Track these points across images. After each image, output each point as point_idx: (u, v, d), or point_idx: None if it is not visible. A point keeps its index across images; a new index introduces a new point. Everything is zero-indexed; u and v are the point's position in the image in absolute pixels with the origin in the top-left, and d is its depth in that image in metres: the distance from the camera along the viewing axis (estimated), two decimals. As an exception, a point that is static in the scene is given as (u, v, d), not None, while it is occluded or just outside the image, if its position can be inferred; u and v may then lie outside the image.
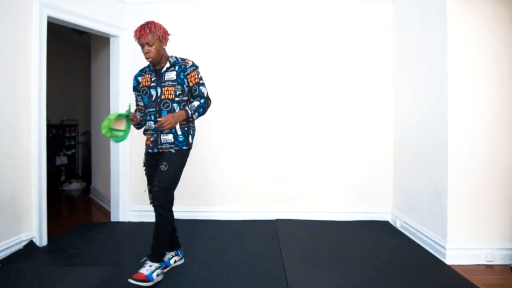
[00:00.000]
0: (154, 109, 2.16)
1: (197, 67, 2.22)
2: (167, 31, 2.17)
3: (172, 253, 2.34)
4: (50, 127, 5.18)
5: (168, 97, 2.14)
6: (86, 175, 5.60)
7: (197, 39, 3.49)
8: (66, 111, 5.94)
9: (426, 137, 2.80)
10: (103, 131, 1.96)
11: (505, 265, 2.43)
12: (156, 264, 2.10)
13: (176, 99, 2.15)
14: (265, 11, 3.48)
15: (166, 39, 2.16)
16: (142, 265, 2.11)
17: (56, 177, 5.14)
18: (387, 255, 2.57)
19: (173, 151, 2.14)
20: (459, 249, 2.46)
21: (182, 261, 2.40)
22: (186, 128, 2.19)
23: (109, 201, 3.68)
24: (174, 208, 3.47)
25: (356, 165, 3.50)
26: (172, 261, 2.31)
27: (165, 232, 2.14)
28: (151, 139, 2.19)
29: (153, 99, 2.17)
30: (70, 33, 5.19)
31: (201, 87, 2.20)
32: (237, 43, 3.46)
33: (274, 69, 3.50)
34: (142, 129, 2.28)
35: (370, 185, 3.50)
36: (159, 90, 2.16)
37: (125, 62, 3.47)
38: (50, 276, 2.21)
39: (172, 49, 3.48)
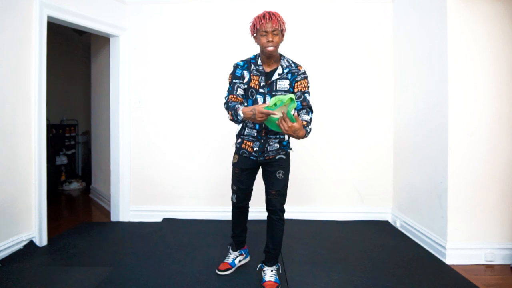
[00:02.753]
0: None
1: (307, 76, 2.02)
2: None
3: (236, 253, 2.34)
4: (50, 127, 5.19)
5: None
6: (86, 175, 5.60)
7: (197, 39, 3.50)
8: (66, 111, 5.95)
9: (426, 137, 2.80)
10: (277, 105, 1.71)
11: (505, 265, 2.43)
12: (277, 265, 2.14)
13: None
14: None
15: (284, 36, 1.97)
16: (260, 272, 2.17)
17: (56, 177, 5.14)
18: (387, 255, 2.58)
19: (284, 156, 2.09)
20: (459, 249, 2.46)
21: (248, 259, 2.39)
22: None
23: (109, 201, 3.68)
24: (175, 208, 3.52)
25: (356, 165, 3.50)
26: (237, 261, 2.31)
27: (282, 234, 2.10)
28: (255, 148, 2.05)
29: None
30: (70, 33, 5.19)
31: (306, 95, 1.99)
32: (237, 42, 3.45)
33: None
34: (238, 130, 2.12)
35: (370, 185, 3.50)
36: (268, 98, 1.97)
37: (125, 62, 3.47)
38: (50, 276, 2.21)
39: (172, 49, 3.51)
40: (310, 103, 2.03)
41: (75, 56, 6.11)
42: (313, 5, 3.46)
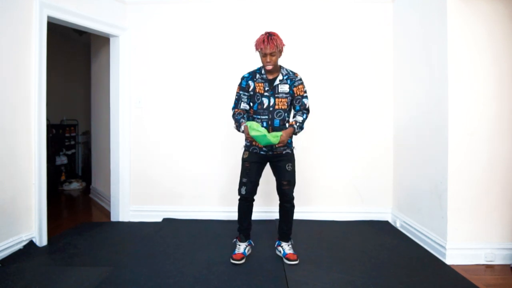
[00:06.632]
0: (266, 117, 2.36)
1: (303, 82, 2.43)
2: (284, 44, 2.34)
3: (246, 243, 2.54)
4: (50, 127, 5.19)
5: (281, 107, 2.36)
6: (86, 175, 5.60)
7: (198, 39, 3.50)
8: (66, 111, 5.95)
9: (426, 137, 2.80)
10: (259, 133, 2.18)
11: (505, 265, 2.43)
12: (291, 240, 2.58)
13: (287, 109, 2.40)
14: (266, 11, 3.47)
15: (282, 52, 2.33)
16: (275, 249, 2.59)
17: (56, 177, 5.14)
18: (387, 255, 2.58)
19: (290, 151, 2.46)
20: (459, 249, 2.46)
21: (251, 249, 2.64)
22: None
23: (109, 201, 3.68)
24: (175, 208, 3.52)
25: (356, 165, 3.50)
26: (246, 250, 2.54)
27: (293, 216, 2.56)
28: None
29: (264, 107, 2.36)
30: (70, 33, 5.19)
31: (304, 99, 2.42)
32: (237, 43, 3.46)
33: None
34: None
35: (370, 185, 3.50)
36: (272, 100, 2.36)
37: (125, 62, 3.47)
38: (50, 276, 2.21)
39: (172, 49, 3.50)
40: (308, 105, 2.43)
41: (75, 56, 6.11)
42: (313, 5, 3.46)
